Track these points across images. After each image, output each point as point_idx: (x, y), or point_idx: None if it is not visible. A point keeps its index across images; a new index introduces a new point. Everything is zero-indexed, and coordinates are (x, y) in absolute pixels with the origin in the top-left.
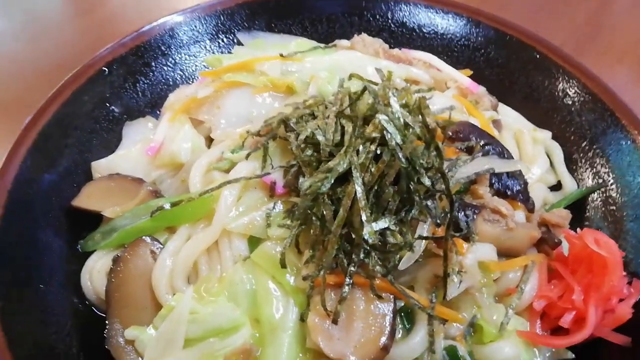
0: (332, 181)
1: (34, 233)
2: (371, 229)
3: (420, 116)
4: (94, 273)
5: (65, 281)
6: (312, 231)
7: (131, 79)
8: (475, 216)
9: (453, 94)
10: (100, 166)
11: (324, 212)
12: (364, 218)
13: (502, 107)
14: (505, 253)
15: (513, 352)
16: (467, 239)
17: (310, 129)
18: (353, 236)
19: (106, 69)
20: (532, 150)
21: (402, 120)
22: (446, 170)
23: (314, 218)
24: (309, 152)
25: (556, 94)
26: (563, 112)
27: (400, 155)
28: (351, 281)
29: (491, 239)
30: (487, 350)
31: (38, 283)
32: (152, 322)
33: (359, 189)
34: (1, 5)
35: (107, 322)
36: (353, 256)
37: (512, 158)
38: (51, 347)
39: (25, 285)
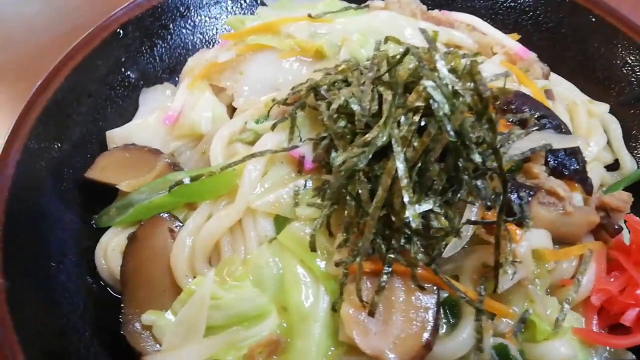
0: (370, 156)
1: (44, 207)
2: (414, 211)
3: (471, 83)
4: (109, 251)
5: (78, 259)
6: (345, 212)
7: (148, 42)
8: (530, 198)
9: (501, 60)
10: (115, 136)
11: (360, 192)
12: (406, 199)
13: (553, 76)
14: (560, 240)
15: (569, 352)
16: (520, 224)
17: (343, 97)
18: (392, 219)
19: (121, 31)
20: (587, 124)
21: (450, 87)
22: (498, 146)
23: (348, 197)
24: (342, 123)
25: (614, 62)
26: (622, 82)
27: (449, 127)
28: (390, 269)
29: (546, 225)
30: (541, 349)
31: (48, 261)
32: (171, 307)
33: (401, 166)
34: None
35: (122, 305)
36: (392, 241)
37: (570, 133)
38: (62, 331)
39: (35, 264)
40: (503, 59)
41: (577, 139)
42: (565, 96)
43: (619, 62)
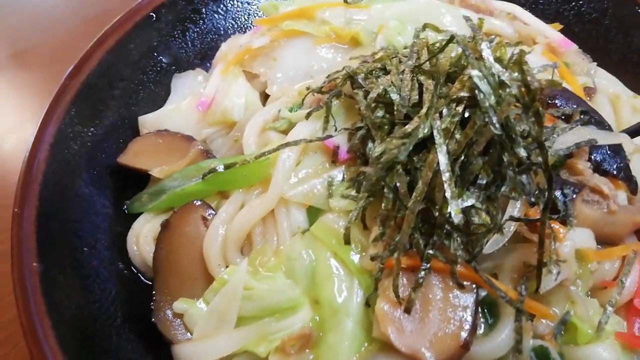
0: (410, 148)
1: (77, 191)
2: (457, 206)
3: (518, 74)
4: (141, 237)
5: (110, 245)
6: (383, 205)
7: (180, 27)
8: (574, 196)
9: (542, 51)
10: (148, 121)
11: (398, 185)
12: (448, 194)
13: (595, 69)
14: (602, 240)
15: (612, 357)
16: (564, 222)
17: (382, 85)
18: (433, 214)
19: (154, 15)
20: (630, 119)
21: (497, 77)
22: (543, 140)
23: (385, 190)
24: (380, 113)
25: None
26: None
27: (494, 119)
28: (428, 266)
29: (590, 224)
30: (582, 353)
31: (81, 246)
32: (203, 296)
33: (443, 159)
34: None
35: (153, 292)
36: (434, 237)
37: (612, 130)
38: (94, 317)
39: (67, 248)
40: (544, 50)
41: (622, 136)
42: (608, 88)
43: None
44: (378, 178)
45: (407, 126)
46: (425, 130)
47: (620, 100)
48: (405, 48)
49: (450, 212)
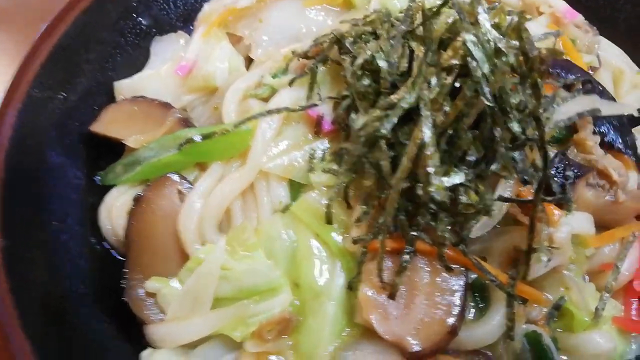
0: (395, 121)
1: (47, 160)
2: (440, 183)
3: (516, 41)
4: (114, 211)
5: (82, 218)
6: (365, 183)
7: None
8: (577, 179)
9: (547, 23)
10: (124, 87)
11: (382, 161)
12: (431, 169)
13: (601, 41)
14: (600, 224)
15: (608, 344)
16: (561, 206)
17: (370, 51)
18: (419, 193)
19: None
20: (626, 96)
21: (493, 44)
22: (541, 112)
23: (367, 166)
24: (366, 81)
25: None
26: None
27: (486, 90)
28: (413, 248)
29: (591, 210)
30: (577, 340)
31: (50, 219)
32: (178, 275)
33: (427, 132)
34: None
35: (125, 269)
36: (417, 218)
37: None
38: (62, 294)
39: (35, 221)
40: (549, 21)
41: (627, 106)
42: (612, 62)
43: None
44: (360, 153)
45: (392, 96)
46: (411, 101)
47: (623, 75)
48: (400, 12)
49: (432, 189)
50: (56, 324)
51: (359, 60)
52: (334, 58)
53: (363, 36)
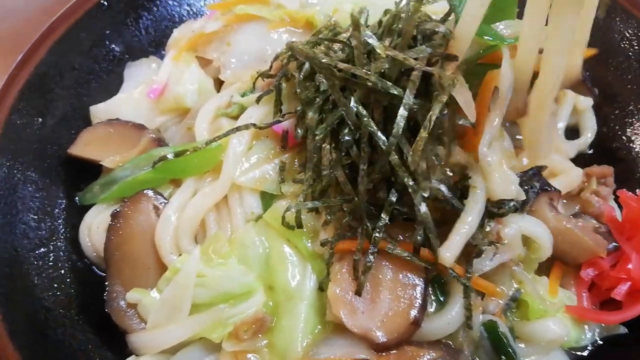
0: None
1: (28, 183)
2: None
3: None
4: (93, 229)
5: (64, 236)
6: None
7: (133, 14)
8: (541, 191)
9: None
10: (100, 111)
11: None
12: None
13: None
14: (558, 253)
15: (560, 330)
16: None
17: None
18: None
19: (105, 2)
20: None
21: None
22: None
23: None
24: (312, 89)
25: (612, 35)
26: (619, 56)
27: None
28: (376, 249)
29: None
30: (531, 327)
31: (33, 238)
32: (156, 285)
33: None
34: None
35: (106, 283)
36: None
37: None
38: (47, 308)
39: (20, 241)
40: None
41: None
42: None
43: (616, 35)
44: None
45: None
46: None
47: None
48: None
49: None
50: (43, 335)
51: (306, 66)
52: (293, 72)
53: (308, 44)
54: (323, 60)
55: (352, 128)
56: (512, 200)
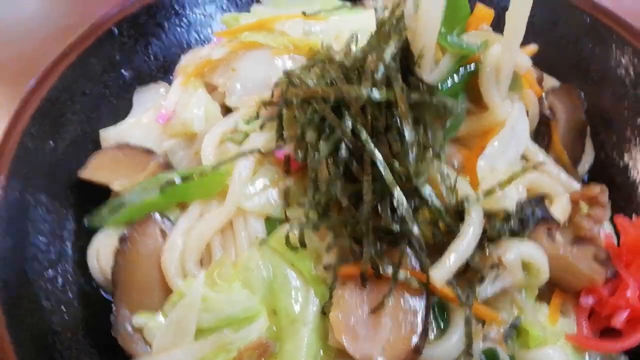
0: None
1: (39, 205)
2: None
3: None
4: (101, 252)
5: (72, 260)
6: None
7: (142, 41)
8: (540, 221)
9: None
10: (109, 135)
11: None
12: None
13: (546, 79)
14: (555, 280)
15: (561, 358)
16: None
17: (309, 79)
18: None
19: (116, 29)
20: None
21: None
22: None
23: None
24: (310, 109)
25: (608, 63)
26: (615, 83)
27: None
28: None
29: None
30: (532, 355)
31: (42, 261)
32: (162, 308)
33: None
34: None
35: (113, 306)
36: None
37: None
38: (55, 331)
39: (29, 262)
40: None
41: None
42: None
43: (613, 63)
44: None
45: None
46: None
47: None
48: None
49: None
50: (51, 358)
51: (301, 93)
52: (292, 97)
53: (304, 69)
54: (311, 85)
55: (350, 147)
56: (509, 222)
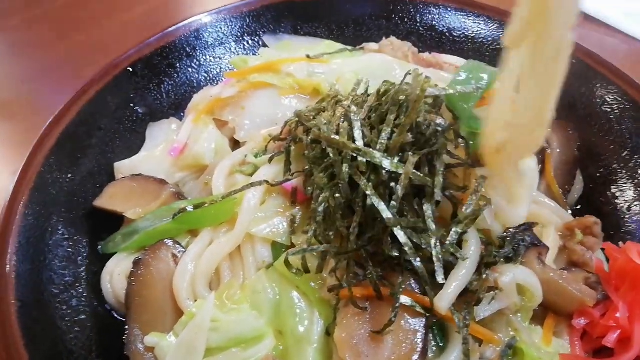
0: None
1: (56, 232)
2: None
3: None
4: (115, 276)
5: (86, 283)
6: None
7: (156, 80)
8: (531, 246)
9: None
10: (123, 167)
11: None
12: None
13: None
14: (547, 303)
15: None
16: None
17: (317, 122)
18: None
19: (131, 69)
20: None
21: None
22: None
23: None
24: (319, 149)
25: (594, 100)
26: (602, 119)
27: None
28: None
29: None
30: None
31: (59, 284)
32: (173, 329)
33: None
34: None
35: (126, 327)
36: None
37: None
38: (70, 350)
39: (45, 286)
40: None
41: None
42: None
43: (598, 100)
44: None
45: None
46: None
47: None
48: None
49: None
50: None
51: (312, 132)
52: (301, 136)
53: (313, 112)
54: (324, 132)
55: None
56: (504, 250)
